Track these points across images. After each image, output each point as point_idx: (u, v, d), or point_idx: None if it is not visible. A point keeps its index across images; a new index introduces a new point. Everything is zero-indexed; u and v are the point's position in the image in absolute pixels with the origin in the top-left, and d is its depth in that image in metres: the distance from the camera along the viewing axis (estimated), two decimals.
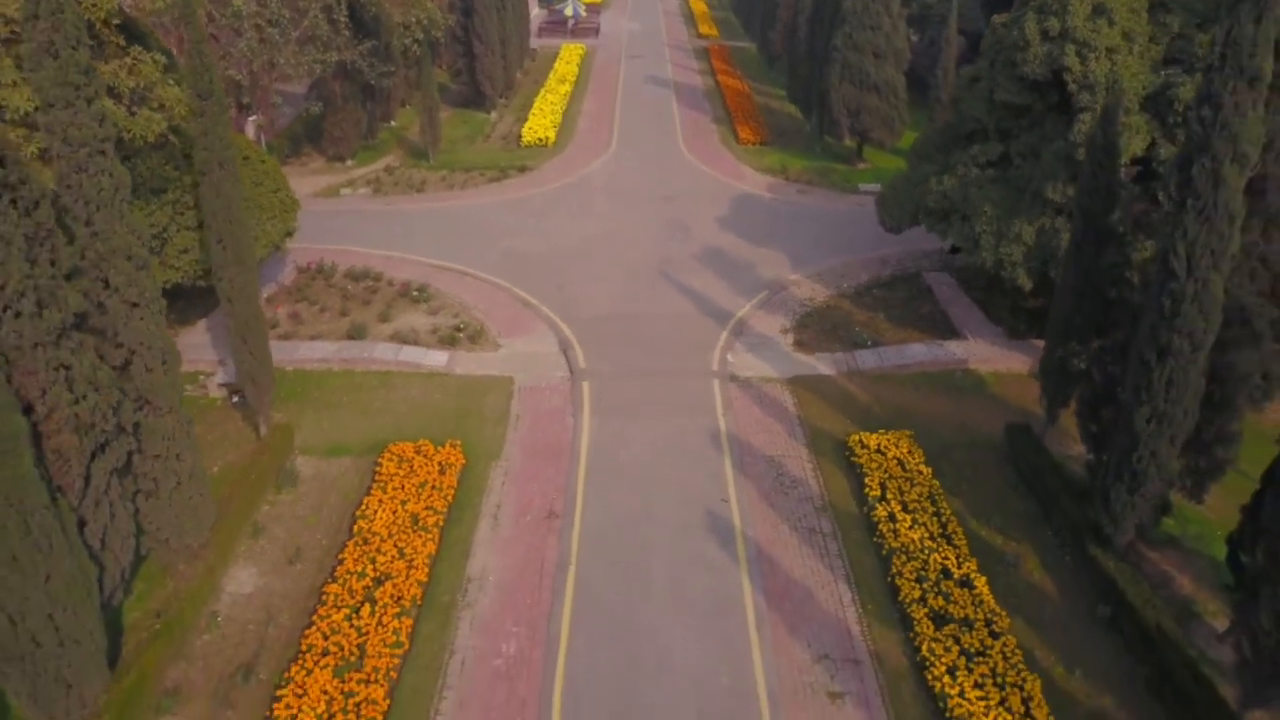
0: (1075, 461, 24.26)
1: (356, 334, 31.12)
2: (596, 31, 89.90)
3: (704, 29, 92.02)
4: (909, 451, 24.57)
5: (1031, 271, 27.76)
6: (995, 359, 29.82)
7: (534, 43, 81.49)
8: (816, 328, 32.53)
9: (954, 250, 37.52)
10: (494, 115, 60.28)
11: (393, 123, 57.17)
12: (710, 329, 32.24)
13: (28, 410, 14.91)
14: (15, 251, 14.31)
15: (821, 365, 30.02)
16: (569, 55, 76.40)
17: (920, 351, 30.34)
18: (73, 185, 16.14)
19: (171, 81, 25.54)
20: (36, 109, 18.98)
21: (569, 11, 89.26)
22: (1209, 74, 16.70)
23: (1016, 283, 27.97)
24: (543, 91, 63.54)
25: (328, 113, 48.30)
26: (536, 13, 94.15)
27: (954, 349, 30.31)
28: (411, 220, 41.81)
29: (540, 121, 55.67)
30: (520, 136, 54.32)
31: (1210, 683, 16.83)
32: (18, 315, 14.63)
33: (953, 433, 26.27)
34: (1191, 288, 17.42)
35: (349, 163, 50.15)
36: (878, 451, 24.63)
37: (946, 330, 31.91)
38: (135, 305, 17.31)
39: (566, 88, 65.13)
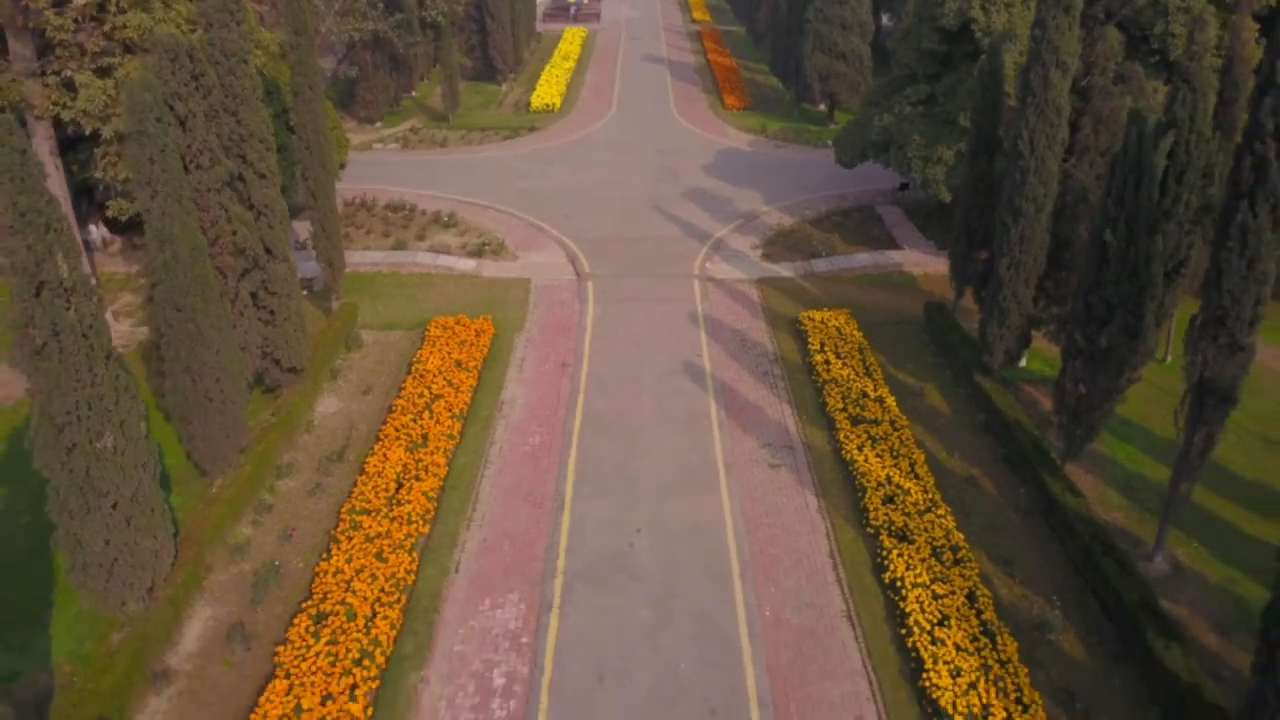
0: (974, 330, 30.70)
1: (399, 247, 37.61)
2: (598, 17, 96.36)
3: (697, 15, 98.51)
4: (846, 323, 31.04)
5: (951, 188, 34.18)
6: (926, 264, 36.30)
7: (539, 27, 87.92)
8: (782, 244, 39.01)
9: (902, 187, 44.20)
10: (505, 87, 66.76)
11: (414, 93, 63.60)
12: (693, 246, 38.72)
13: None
14: (201, 121, 20.80)
15: (783, 270, 36.53)
16: (572, 37, 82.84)
17: (865, 259, 36.83)
18: (226, 85, 22.61)
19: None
20: (192, 29, 25.49)
21: None
22: (1040, 4, 23.19)
23: (939, 197, 34.42)
24: (549, 67, 69.99)
25: (360, 79, 54.75)
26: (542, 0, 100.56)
27: (893, 256, 36.82)
28: (437, 168, 48.29)
29: (548, 90, 62.17)
30: (530, 104, 60.82)
31: (1048, 454, 23.27)
32: (199, 167, 21.14)
33: (885, 314, 32.77)
34: (1033, 163, 23.91)
35: (378, 125, 56.60)
36: (821, 323, 31.09)
37: (890, 246, 38.39)
38: (263, 176, 23.79)
39: (570, 64, 71.62)
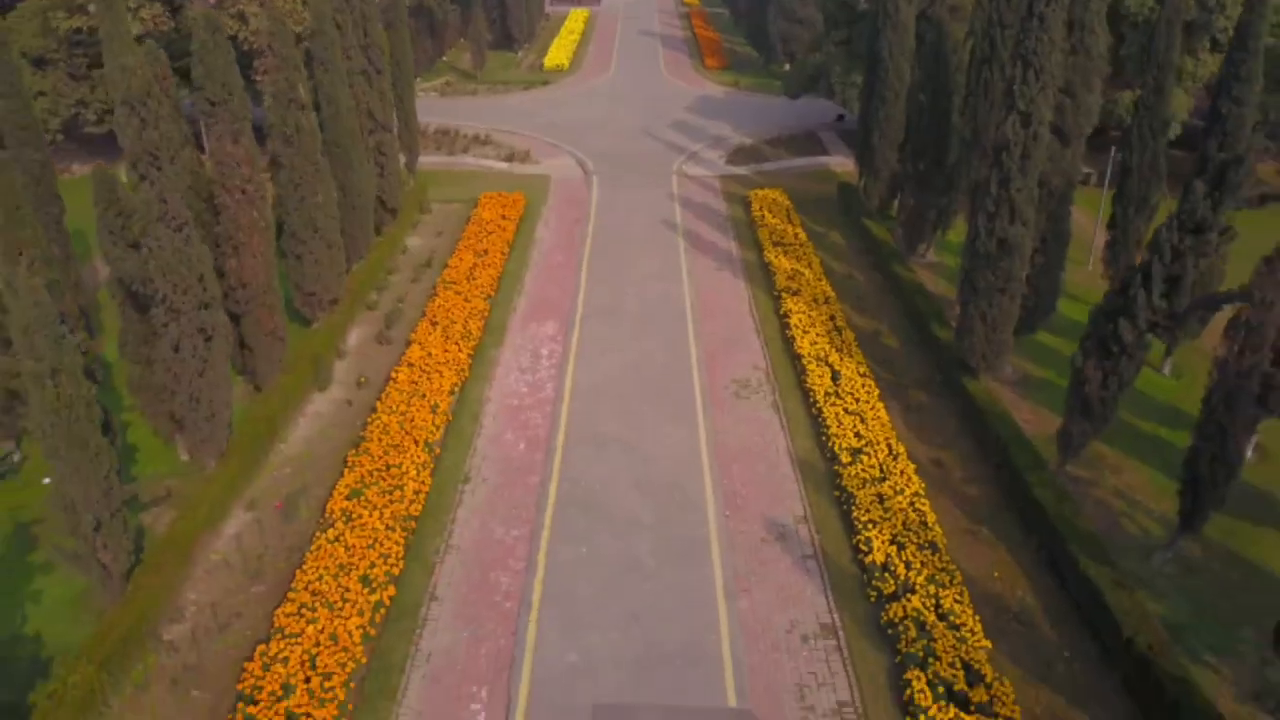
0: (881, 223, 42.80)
1: (450, 154, 49.68)
2: (599, 0, 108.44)
3: None
4: (780, 196, 43.08)
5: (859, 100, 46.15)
6: (846, 165, 48.33)
7: (548, 9, 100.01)
8: (741, 155, 51.12)
9: (839, 119, 56.26)
10: (521, 53, 78.91)
11: (445, 57, 75.70)
12: (673, 156, 50.81)
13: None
14: (349, 29, 32.87)
15: (740, 170, 48.64)
16: (576, 16, 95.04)
17: (803, 161, 49.00)
18: (356, 8, 34.61)
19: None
20: None
21: None
22: None
23: (851, 109, 46.46)
24: (557, 38, 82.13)
25: None
26: None
27: (823, 160, 48.97)
28: (470, 109, 60.37)
29: (558, 54, 74.33)
30: (543, 65, 72.96)
31: (895, 251, 35.28)
32: (348, 58, 33.18)
33: (810, 193, 44.83)
34: (890, 65, 35.91)
35: (417, 80, 68.65)
36: (762, 197, 43.12)
37: (823, 154, 50.48)
38: (380, 71, 35.79)
39: (575, 36, 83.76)
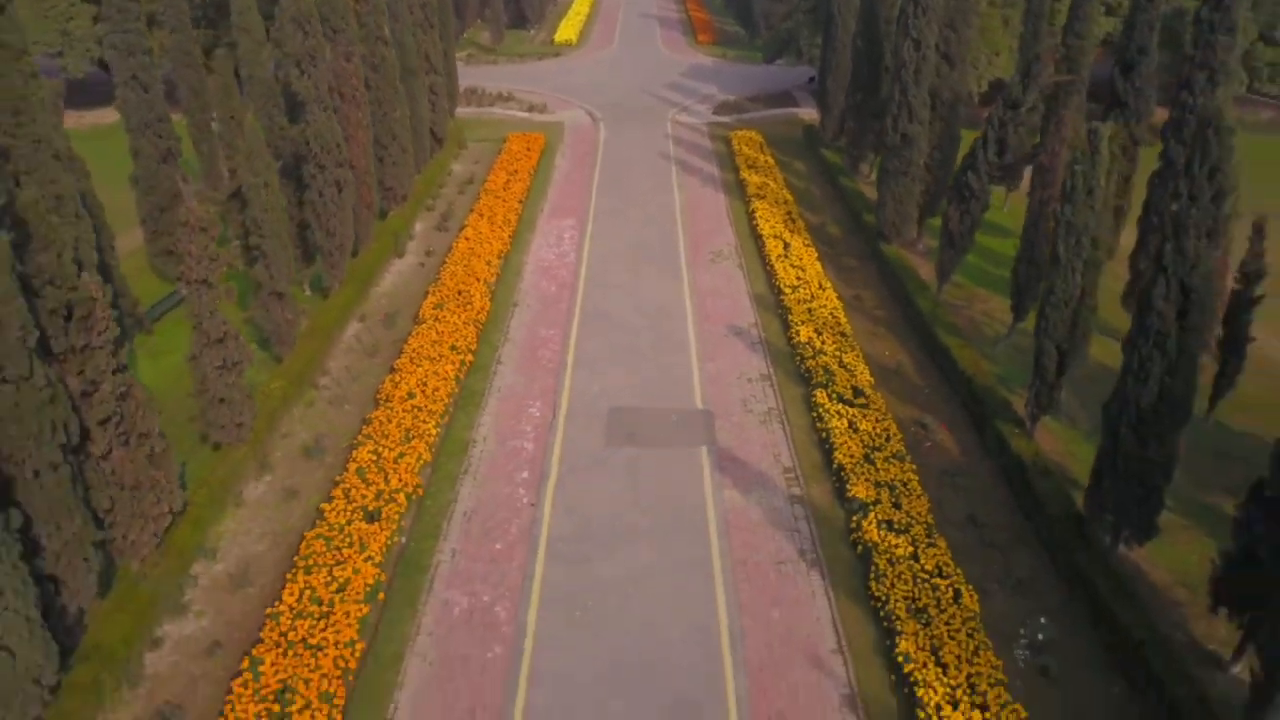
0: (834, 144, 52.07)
1: (479, 107, 58.94)
2: None
3: None
4: (755, 135, 52.33)
5: None
6: (813, 115, 57.58)
7: None
8: (725, 108, 60.35)
9: (811, 80, 65.50)
10: (533, 31, 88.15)
11: (465, 34, 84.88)
12: (668, 108, 60.07)
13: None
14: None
15: (724, 118, 57.89)
16: (582, 1, 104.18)
17: (777, 112, 58.28)
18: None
19: None
20: None
21: None
22: None
23: (817, 67, 55.62)
24: (565, 19, 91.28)
25: None
26: None
27: (794, 111, 58.25)
28: (492, 74, 69.59)
29: (566, 31, 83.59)
30: (554, 40, 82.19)
31: (841, 169, 44.55)
32: (411, 12, 42.39)
33: (781, 134, 54.07)
34: (839, 20, 45.14)
35: None
36: (741, 136, 52.35)
37: (794, 106, 59.76)
38: (432, 26, 44.99)
39: (581, 17, 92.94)
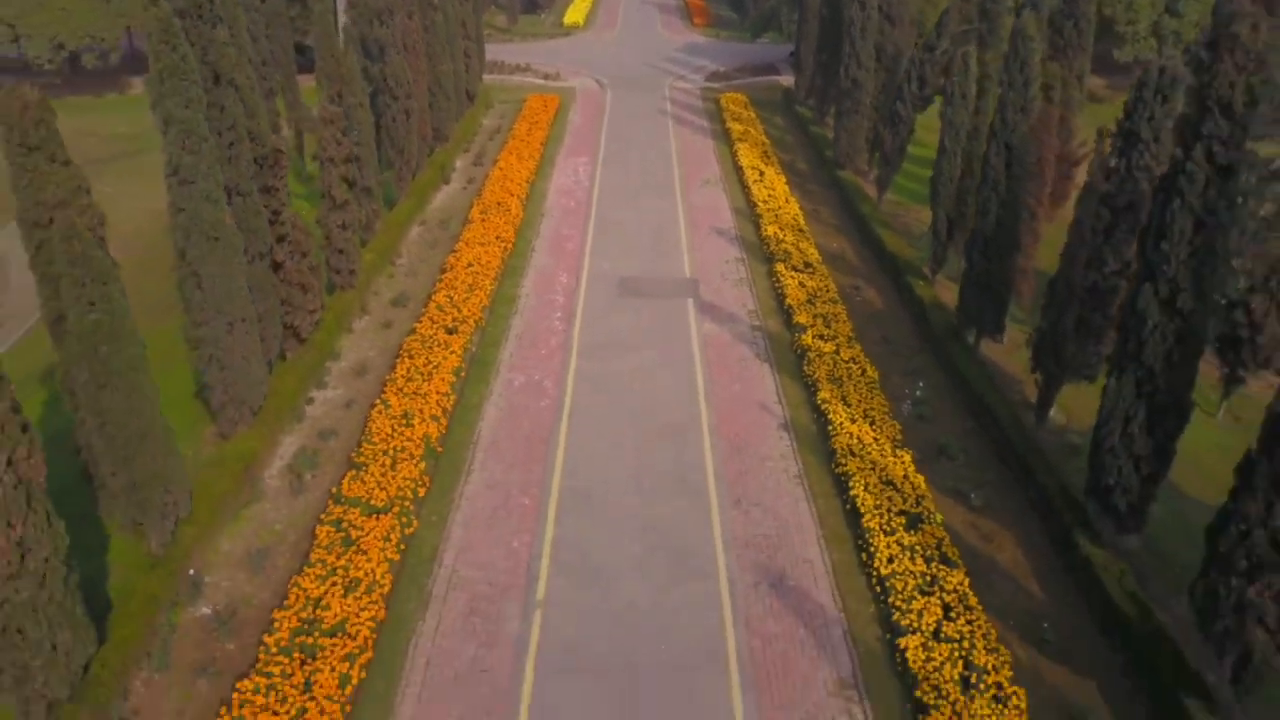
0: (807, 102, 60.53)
1: (501, 74, 67.39)
2: None
3: None
4: (740, 97, 60.76)
5: None
6: (792, 82, 66.00)
7: None
8: (716, 77, 68.85)
9: (791, 54, 73.95)
10: (543, 15, 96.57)
11: (483, 17, 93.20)
12: (666, 78, 68.55)
13: None
14: None
15: (715, 85, 66.37)
16: None
17: (761, 80, 66.77)
18: None
19: None
20: None
21: None
22: None
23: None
24: (573, 3, 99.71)
25: None
26: None
27: (775, 79, 66.73)
28: (510, 50, 77.98)
29: (574, 14, 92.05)
30: (563, 22, 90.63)
31: (810, 121, 52.97)
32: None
33: (764, 97, 62.51)
34: None
35: None
36: (728, 98, 60.77)
37: (775, 74, 68.22)
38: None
39: (588, 3, 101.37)
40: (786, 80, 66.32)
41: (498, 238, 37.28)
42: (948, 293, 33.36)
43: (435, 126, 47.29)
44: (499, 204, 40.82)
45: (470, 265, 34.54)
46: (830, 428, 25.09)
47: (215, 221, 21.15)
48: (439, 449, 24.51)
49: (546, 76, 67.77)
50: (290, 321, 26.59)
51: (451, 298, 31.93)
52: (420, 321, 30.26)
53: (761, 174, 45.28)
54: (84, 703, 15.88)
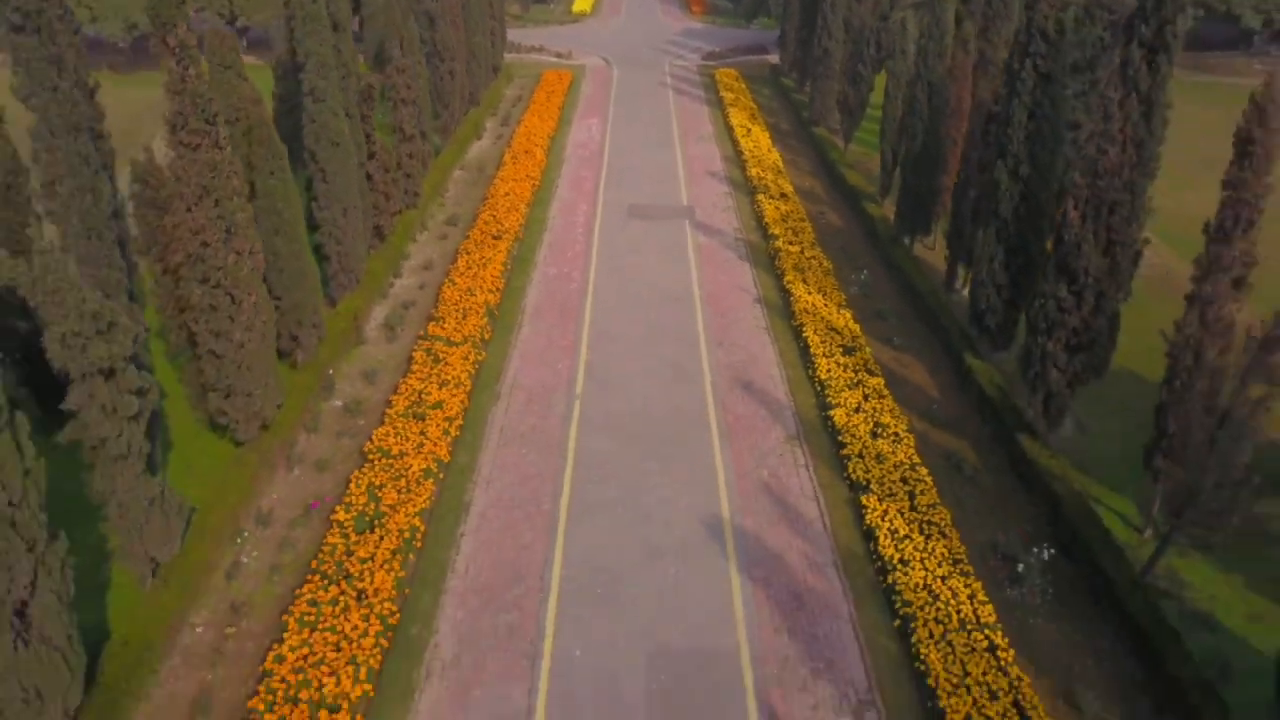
0: (790, 74, 68.27)
1: (519, 53, 75.17)
2: None
3: None
4: (733, 72, 68.51)
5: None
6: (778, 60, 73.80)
7: None
8: (711, 57, 76.63)
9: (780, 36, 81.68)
10: (553, 5, 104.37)
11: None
12: (666, 58, 76.37)
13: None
14: None
15: (710, 64, 74.16)
16: None
17: (752, 58, 74.60)
18: None
19: None
20: None
21: None
22: None
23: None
24: None
25: None
26: None
27: (765, 58, 74.52)
28: (524, 34, 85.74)
29: (581, 3, 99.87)
30: (571, 11, 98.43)
31: (793, 90, 60.72)
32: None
33: (753, 73, 70.26)
34: None
35: None
36: (722, 72, 68.51)
37: (765, 54, 75.98)
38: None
39: None
40: (775, 59, 74.09)
41: (527, 176, 45.07)
42: (891, 208, 41.18)
43: (470, 90, 55.04)
44: (526, 152, 48.60)
45: (507, 194, 42.33)
46: (792, 299, 32.89)
47: (337, 130, 28.93)
48: (496, 313, 32.36)
49: (559, 55, 75.56)
50: (376, 222, 34.37)
51: (495, 216, 39.72)
52: (471, 231, 38.08)
53: (749, 131, 53.04)
54: (274, 435, 23.72)
